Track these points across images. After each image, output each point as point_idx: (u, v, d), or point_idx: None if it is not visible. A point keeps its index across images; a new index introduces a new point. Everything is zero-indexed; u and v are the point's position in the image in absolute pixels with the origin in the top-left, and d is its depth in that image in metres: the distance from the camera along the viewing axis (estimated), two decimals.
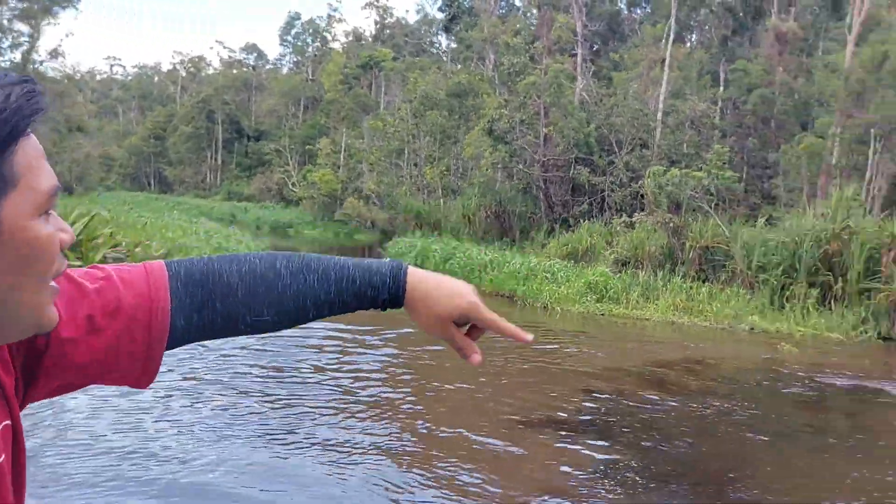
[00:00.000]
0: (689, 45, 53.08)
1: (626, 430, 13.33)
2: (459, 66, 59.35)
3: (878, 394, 18.06)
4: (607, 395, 15.60)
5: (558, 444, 12.23)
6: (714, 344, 24.06)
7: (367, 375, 15.98)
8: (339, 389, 14.72)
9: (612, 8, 60.78)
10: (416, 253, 36.70)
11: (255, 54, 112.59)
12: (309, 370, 15.96)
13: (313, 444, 11.24)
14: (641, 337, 24.11)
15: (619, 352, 21.01)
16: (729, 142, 43.92)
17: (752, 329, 26.16)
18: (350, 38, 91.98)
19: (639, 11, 63.08)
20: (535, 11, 52.64)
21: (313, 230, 66.11)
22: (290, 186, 78.15)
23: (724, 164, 31.86)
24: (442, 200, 46.37)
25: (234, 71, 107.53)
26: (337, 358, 17.38)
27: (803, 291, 27.64)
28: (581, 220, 37.59)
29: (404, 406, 13.90)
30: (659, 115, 39.66)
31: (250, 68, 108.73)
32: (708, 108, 39.87)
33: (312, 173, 71.22)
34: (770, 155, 42.37)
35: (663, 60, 39.86)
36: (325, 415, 12.83)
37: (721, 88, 47.24)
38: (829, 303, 27.64)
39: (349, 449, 11.10)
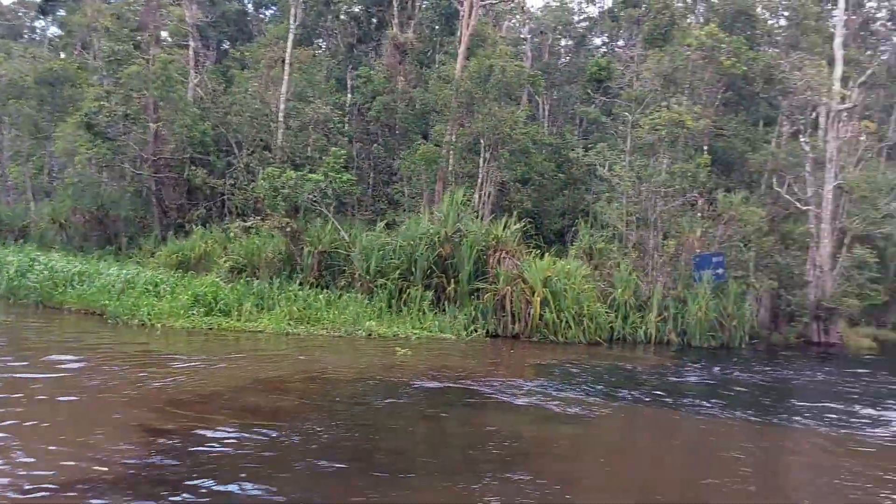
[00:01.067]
0: (318, 49, 52.30)
1: (181, 482, 10.71)
2: (63, 55, 52.03)
3: (474, 394, 17.77)
4: (172, 436, 12.79)
5: None
6: (330, 353, 22.57)
7: None
8: None
9: (238, 6, 57.93)
10: None
11: None
12: None
13: None
14: (253, 352, 21.70)
15: (216, 373, 18.29)
16: (356, 148, 43.63)
17: (370, 335, 25.32)
18: None
19: (267, 12, 61.14)
20: None
21: None
22: None
23: (343, 167, 30.95)
24: (32, 204, 39.60)
25: None
26: None
27: (419, 294, 27.63)
28: (199, 226, 34.14)
29: None
30: (280, 115, 37.79)
31: None
32: (331, 112, 38.99)
33: None
34: (396, 161, 42.92)
35: (284, 59, 38.12)
36: None
37: (349, 95, 47.05)
38: (444, 304, 28.03)
39: None
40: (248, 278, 27.68)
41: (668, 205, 31.48)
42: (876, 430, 17.03)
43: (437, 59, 45.99)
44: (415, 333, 25.84)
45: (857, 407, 19.42)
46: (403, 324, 26.37)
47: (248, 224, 29.20)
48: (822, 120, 35.32)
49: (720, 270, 30.18)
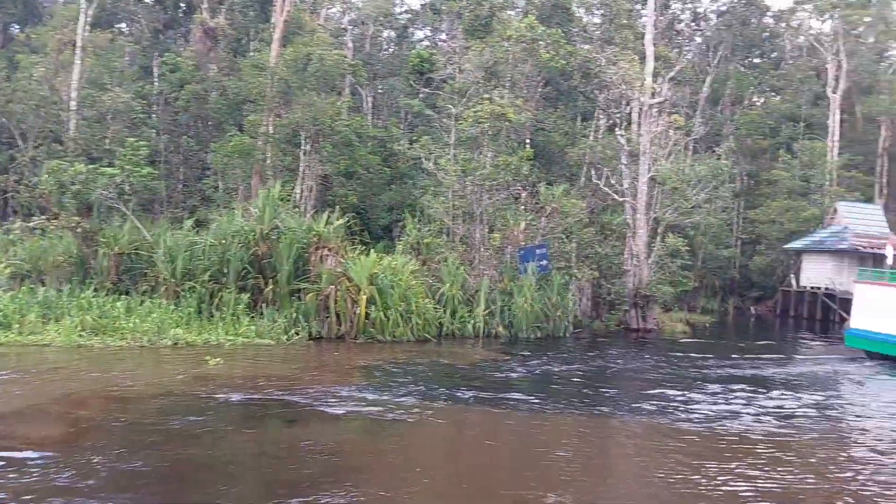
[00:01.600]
0: (119, 34, 47.92)
1: None
2: None
3: (291, 405, 16.14)
4: None
5: None
6: (128, 367, 19.94)
7: None
8: None
9: None
10: None
11: None
12: None
13: None
14: (36, 369, 18.70)
15: None
16: (163, 140, 40.27)
17: (177, 343, 22.83)
18: None
19: None
20: None
21: None
22: None
23: (149, 160, 28.05)
24: None
25: None
26: None
27: (233, 297, 25.39)
28: None
29: None
30: (73, 104, 33.91)
31: None
32: (133, 101, 35.56)
33: None
34: (209, 155, 40.01)
35: (75, 43, 34.27)
36: None
37: (155, 83, 43.42)
38: (261, 307, 25.98)
39: None
40: (32, 285, 24.29)
41: (493, 198, 31.17)
42: (692, 416, 17.15)
43: (251, 47, 43.42)
44: (228, 340, 23.69)
45: (674, 393, 19.62)
46: (215, 330, 24.09)
47: (33, 224, 25.68)
48: (635, 114, 36.48)
49: (544, 262, 30.22)
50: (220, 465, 12.42)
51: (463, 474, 12.60)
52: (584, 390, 19.94)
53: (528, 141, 36.46)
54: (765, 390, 20.88)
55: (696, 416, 17.13)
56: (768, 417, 17.47)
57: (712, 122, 50.23)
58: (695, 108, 49.21)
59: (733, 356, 27.34)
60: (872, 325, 28.09)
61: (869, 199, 49.22)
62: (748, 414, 17.71)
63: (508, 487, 11.92)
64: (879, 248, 43.29)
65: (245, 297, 25.63)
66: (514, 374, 21.79)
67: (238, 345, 23.52)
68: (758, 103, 55.39)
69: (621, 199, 34.90)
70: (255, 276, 26.30)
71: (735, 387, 21.00)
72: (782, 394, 20.70)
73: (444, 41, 46.96)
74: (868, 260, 44.11)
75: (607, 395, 19.63)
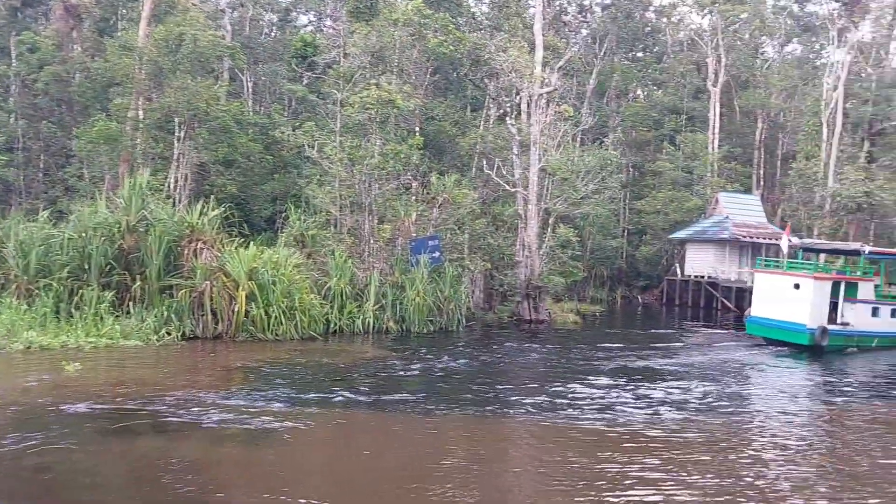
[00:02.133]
0: None
1: None
2: None
3: (152, 416, 14.40)
4: None
5: None
6: None
7: None
8: None
9: None
10: None
11: None
12: None
13: None
14: None
15: None
16: (20, 125, 36.84)
17: (30, 347, 20.42)
18: None
19: None
20: None
21: None
22: None
23: (7, 147, 25.19)
24: None
25: None
26: None
27: (95, 295, 23.07)
28: None
29: None
30: None
31: None
32: None
33: None
34: (73, 141, 36.84)
35: None
36: None
37: (12, 63, 39.69)
38: (128, 305, 23.75)
39: None
40: None
41: (383, 188, 29.89)
42: (589, 414, 16.51)
43: (120, 27, 40.39)
44: (90, 342, 21.48)
45: (568, 388, 19.02)
46: (75, 332, 21.80)
47: None
48: (525, 104, 35.93)
49: (436, 254, 29.22)
50: (70, 487, 10.70)
51: (343, 489, 11.34)
52: (476, 387, 19.03)
53: (417, 129, 35.35)
54: (662, 382, 20.64)
55: (593, 413, 16.52)
56: (668, 412, 17.06)
57: (599, 114, 50.69)
58: (582, 99, 49.46)
59: (626, 346, 27.22)
60: (770, 312, 28.80)
61: (748, 190, 50.99)
62: (646, 409, 17.28)
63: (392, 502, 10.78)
64: (758, 238, 44.86)
65: (109, 294, 23.35)
66: (403, 373, 20.65)
67: (101, 347, 21.35)
68: (641, 96, 56.41)
69: (513, 190, 34.35)
70: (120, 272, 24.02)
71: (630, 379, 20.69)
72: (680, 385, 20.48)
73: (329, 25, 45.17)
74: (747, 248, 45.65)
75: (499, 392, 18.78)
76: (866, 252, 29.94)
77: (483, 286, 33.75)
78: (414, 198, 31.71)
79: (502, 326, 31.77)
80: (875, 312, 29.17)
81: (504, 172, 34.93)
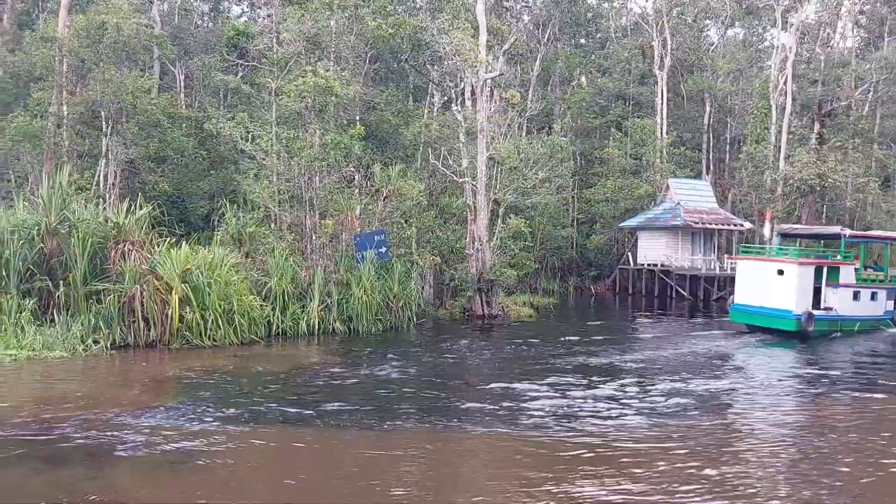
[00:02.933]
0: None
1: None
2: None
3: (60, 442, 12.88)
4: None
5: None
6: None
7: None
8: None
9: None
10: None
11: None
12: None
13: None
14: None
15: None
16: None
17: None
18: None
19: None
20: None
21: None
22: None
23: None
24: None
25: None
26: None
27: (15, 303, 21.27)
28: None
29: None
30: None
31: None
32: None
33: None
34: None
35: None
36: None
37: None
38: (52, 314, 21.96)
39: None
40: None
41: (324, 181, 28.47)
42: (551, 422, 15.49)
43: (41, 19, 38.07)
44: (9, 355, 19.74)
45: (524, 391, 18.01)
46: None
47: None
48: (469, 91, 34.83)
49: (383, 249, 27.95)
50: None
51: None
52: (428, 395, 17.83)
53: (358, 119, 33.94)
54: (631, 378, 19.77)
55: (558, 423, 15.29)
56: (636, 416, 16.11)
57: (544, 102, 49.90)
58: (527, 87, 48.59)
59: (583, 340, 26.37)
60: (754, 299, 28.60)
61: (698, 175, 50.79)
62: (614, 412, 16.33)
63: None
64: (710, 224, 44.62)
65: (30, 302, 21.59)
66: (349, 380, 19.26)
67: (22, 360, 19.62)
68: (585, 83, 55.79)
69: (461, 181, 33.24)
70: (42, 277, 22.21)
71: (592, 379, 19.76)
72: (642, 382, 19.64)
73: (261, 10, 43.29)
74: (699, 235, 45.39)
75: (453, 400, 17.57)
76: (847, 235, 29.84)
77: (433, 281, 32.60)
78: (357, 191, 30.35)
79: (454, 323, 30.68)
80: (856, 296, 29.10)
81: (451, 162, 33.81)
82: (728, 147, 54.67)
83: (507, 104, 34.72)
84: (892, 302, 30.24)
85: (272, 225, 28.28)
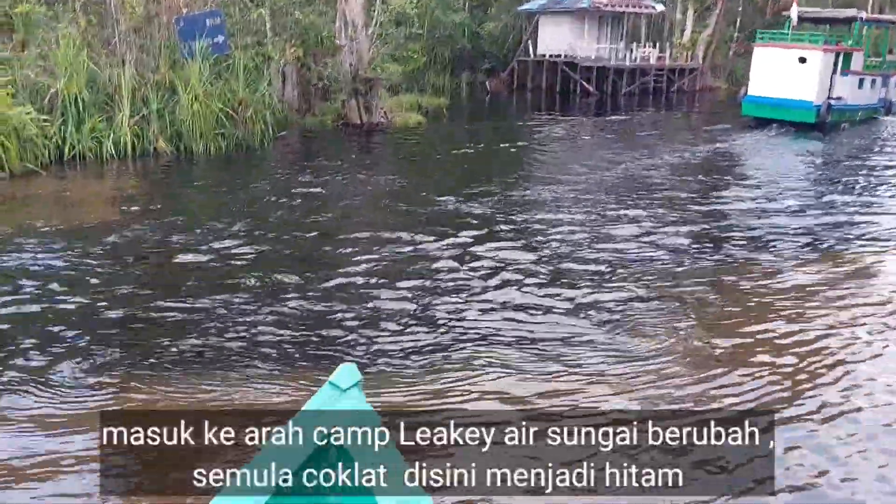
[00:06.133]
0: None
1: None
2: None
3: None
4: None
5: None
6: None
7: None
8: None
9: None
10: None
11: None
12: None
13: None
14: None
15: None
16: None
17: None
18: None
19: None
20: None
21: None
22: None
23: None
24: None
25: None
26: None
27: None
28: None
29: None
30: None
31: None
32: None
33: None
34: None
35: None
36: None
37: None
38: None
39: None
40: None
41: None
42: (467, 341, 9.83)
43: None
44: None
45: (425, 276, 12.26)
46: None
47: None
48: None
49: (220, 38, 20.61)
50: None
51: None
52: (283, 292, 11.19)
53: None
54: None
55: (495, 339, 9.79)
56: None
57: None
58: None
59: (503, 159, 20.69)
60: (770, 90, 27.63)
61: None
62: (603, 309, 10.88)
63: None
64: (621, 6, 38.65)
65: None
66: (164, 255, 12.07)
67: None
68: None
69: None
70: None
71: (531, 236, 14.20)
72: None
73: None
74: (607, 20, 39.52)
75: (321, 315, 11.62)
76: (863, 19, 28.95)
77: (297, 81, 25.54)
78: None
79: (326, 135, 24.21)
80: (860, 84, 29.01)
81: None
82: None
83: None
84: (885, 89, 30.17)
85: (59, 4, 20.13)
